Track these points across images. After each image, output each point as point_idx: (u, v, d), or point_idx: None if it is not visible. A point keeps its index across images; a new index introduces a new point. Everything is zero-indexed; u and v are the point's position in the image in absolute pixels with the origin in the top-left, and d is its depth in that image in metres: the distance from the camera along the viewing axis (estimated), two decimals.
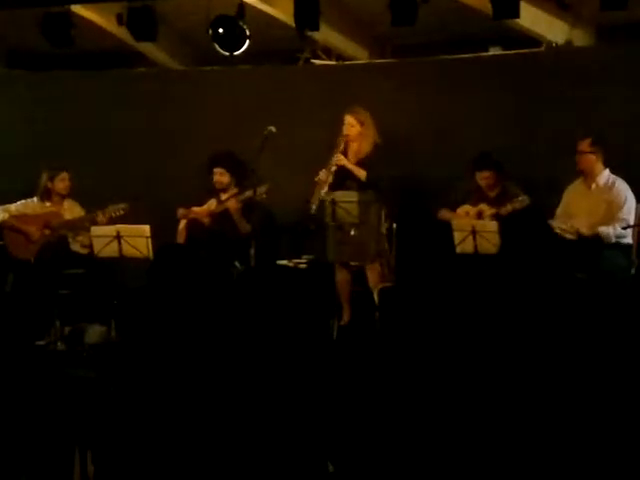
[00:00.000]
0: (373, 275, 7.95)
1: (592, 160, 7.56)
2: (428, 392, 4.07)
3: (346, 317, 8.00)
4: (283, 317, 4.26)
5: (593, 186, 7.63)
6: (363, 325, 7.80)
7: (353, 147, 8.00)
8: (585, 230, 7.43)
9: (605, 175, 7.60)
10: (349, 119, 7.98)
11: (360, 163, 7.96)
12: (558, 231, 7.46)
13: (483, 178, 7.95)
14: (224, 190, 8.43)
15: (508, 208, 7.58)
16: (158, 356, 4.20)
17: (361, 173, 7.92)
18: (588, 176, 7.64)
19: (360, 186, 7.92)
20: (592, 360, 4.10)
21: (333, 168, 7.92)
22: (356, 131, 7.98)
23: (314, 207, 7.89)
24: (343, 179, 7.97)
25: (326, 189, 7.90)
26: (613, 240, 7.38)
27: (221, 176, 8.43)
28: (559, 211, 7.73)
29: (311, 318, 4.40)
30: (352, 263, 8.06)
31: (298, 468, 3.88)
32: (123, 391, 4.21)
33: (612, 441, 3.75)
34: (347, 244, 7.92)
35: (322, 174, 7.91)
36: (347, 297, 8.06)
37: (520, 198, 7.56)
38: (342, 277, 8.06)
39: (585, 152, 7.56)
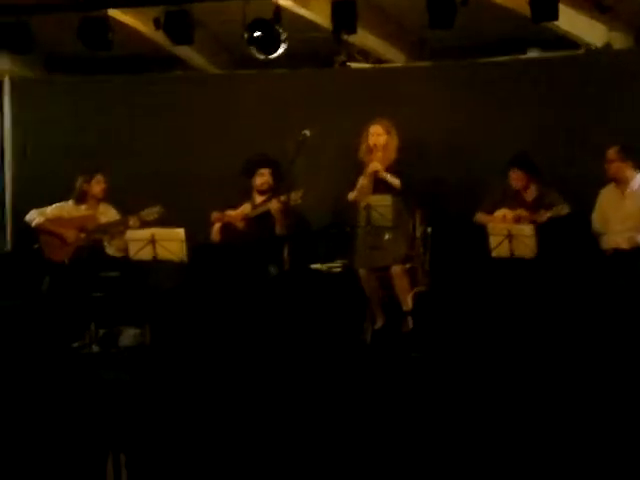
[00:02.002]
0: (400, 281, 7.92)
1: (621, 167, 7.58)
2: (463, 392, 4.04)
3: (380, 321, 7.97)
4: (318, 321, 4.25)
5: (627, 191, 7.63)
6: (397, 329, 7.77)
7: (379, 156, 8.05)
8: (623, 244, 7.37)
9: (638, 179, 7.60)
10: (376, 129, 8.08)
11: (388, 171, 8.03)
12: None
13: (513, 178, 7.96)
14: (265, 192, 8.45)
15: (547, 215, 7.55)
16: (192, 359, 4.20)
17: (395, 181, 7.97)
18: (620, 182, 7.64)
19: (394, 194, 7.94)
20: (627, 364, 4.05)
21: (372, 175, 8.00)
22: (383, 140, 8.07)
23: (365, 213, 7.93)
24: (376, 185, 8.04)
25: (368, 194, 7.97)
26: None
27: (268, 177, 8.46)
28: (594, 215, 7.70)
29: (345, 322, 4.39)
30: (378, 265, 8.04)
31: (330, 466, 3.88)
32: (157, 394, 4.22)
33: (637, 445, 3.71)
34: (377, 249, 7.92)
35: (362, 180, 7.96)
36: (378, 302, 8.03)
37: (560, 206, 7.54)
38: (369, 282, 8.02)
39: (613, 160, 7.56)
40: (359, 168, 8.14)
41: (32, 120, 9.90)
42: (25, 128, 9.93)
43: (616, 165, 7.56)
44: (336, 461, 3.89)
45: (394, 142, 8.09)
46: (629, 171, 7.57)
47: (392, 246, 7.92)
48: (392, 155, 8.08)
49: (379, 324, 7.95)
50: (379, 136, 8.06)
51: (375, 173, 8.01)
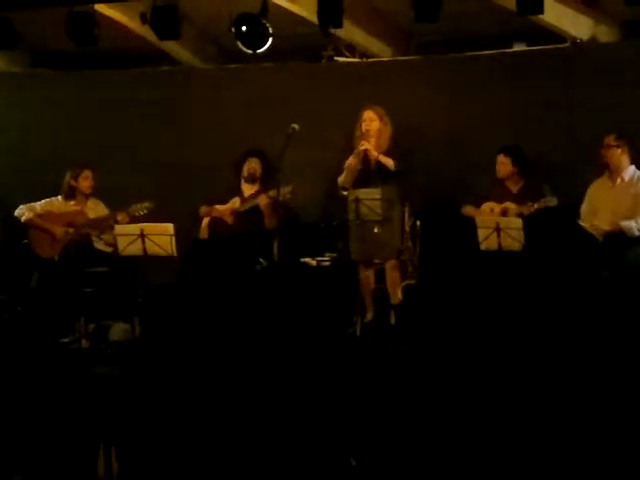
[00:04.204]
0: (392, 274, 7.90)
1: (617, 154, 7.60)
2: (452, 385, 4.06)
3: (370, 315, 7.95)
4: (307, 314, 4.26)
5: (618, 181, 7.66)
6: (386, 322, 7.79)
7: (371, 143, 7.96)
8: (607, 226, 7.43)
9: (631, 170, 7.65)
10: (369, 114, 7.99)
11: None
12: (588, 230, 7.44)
13: (500, 162, 8.01)
14: (253, 181, 8.48)
15: (534, 207, 7.58)
16: (181, 353, 4.21)
17: (389, 162, 7.89)
18: (614, 171, 7.66)
19: (386, 179, 7.88)
20: (616, 357, 4.07)
21: (361, 154, 7.91)
22: (376, 126, 7.98)
23: (346, 193, 7.90)
24: (368, 173, 7.95)
25: (355, 175, 7.89)
26: (636, 233, 7.38)
27: (256, 165, 8.51)
28: (583, 208, 7.73)
29: (334, 315, 4.40)
30: (376, 260, 8.03)
31: (324, 462, 3.89)
32: (146, 388, 4.23)
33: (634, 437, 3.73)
34: (370, 242, 7.90)
35: (351, 159, 7.92)
36: (370, 295, 7.99)
37: (548, 198, 7.56)
38: (366, 275, 8.01)
39: (611, 146, 7.58)
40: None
41: (18, 115, 9.89)
42: (11, 123, 9.92)
43: (613, 151, 7.59)
44: (322, 453, 3.90)
45: (388, 130, 8.00)
46: (624, 159, 7.62)
47: (382, 239, 7.89)
48: (385, 143, 7.98)
49: (369, 317, 7.92)
50: (372, 122, 7.97)
51: (365, 152, 7.91)
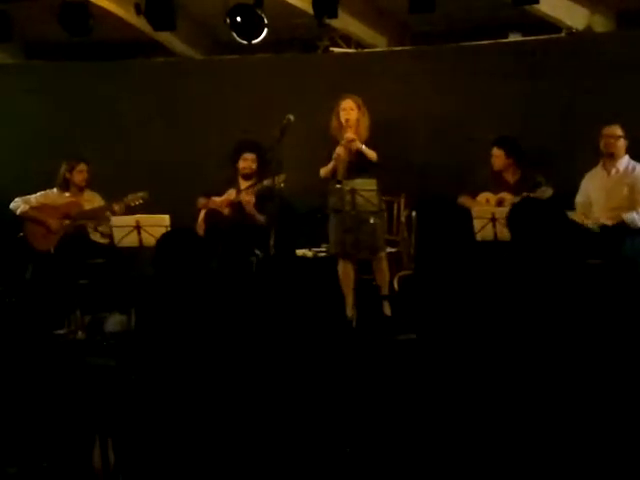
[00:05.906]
0: (380, 265, 7.82)
1: (621, 144, 7.61)
2: (447, 378, 4.06)
3: (350, 312, 7.62)
4: (302, 305, 4.26)
5: (613, 171, 7.66)
6: (381, 313, 7.78)
7: (351, 132, 7.86)
8: (608, 221, 7.42)
9: (625, 160, 7.65)
10: (348, 103, 7.90)
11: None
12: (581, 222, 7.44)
13: (494, 155, 8.01)
14: (249, 177, 8.46)
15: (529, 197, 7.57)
16: (177, 344, 4.21)
17: (372, 154, 7.81)
18: (613, 160, 7.65)
19: (365, 170, 7.77)
20: (611, 350, 4.07)
21: (348, 145, 7.78)
22: (355, 115, 7.89)
23: (339, 186, 7.81)
24: (349, 164, 7.82)
25: (346, 165, 7.79)
26: (639, 225, 7.37)
27: (251, 162, 8.47)
28: (578, 199, 7.74)
29: (330, 306, 4.40)
30: (361, 256, 7.91)
31: (320, 448, 3.90)
32: (143, 379, 4.23)
33: (629, 432, 3.73)
34: (353, 234, 7.76)
35: (340, 150, 7.81)
36: (352, 291, 7.74)
37: (543, 188, 7.56)
38: (345, 270, 7.84)
39: (619, 137, 7.59)
40: (332, 146, 7.93)
41: (12, 107, 9.88)
42: (5, 115, 9.91)
43: (620, 142, 7.59)
44: (317, 441, 3.91)
45: (366, 119, 7.91)
46: (623, 150, 7.63)
47: (372, 232, 7.80)
48: (364, 133, 7.89)
49: (350, 314, 7.59)
50: (351, 111, 7.87)
51: (350, 143, 7.77)
